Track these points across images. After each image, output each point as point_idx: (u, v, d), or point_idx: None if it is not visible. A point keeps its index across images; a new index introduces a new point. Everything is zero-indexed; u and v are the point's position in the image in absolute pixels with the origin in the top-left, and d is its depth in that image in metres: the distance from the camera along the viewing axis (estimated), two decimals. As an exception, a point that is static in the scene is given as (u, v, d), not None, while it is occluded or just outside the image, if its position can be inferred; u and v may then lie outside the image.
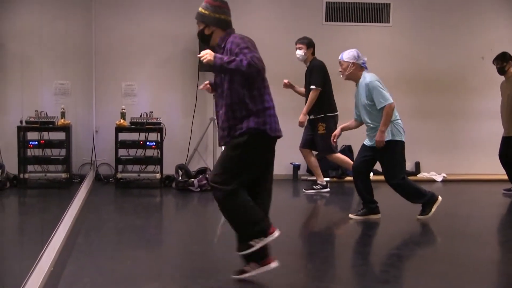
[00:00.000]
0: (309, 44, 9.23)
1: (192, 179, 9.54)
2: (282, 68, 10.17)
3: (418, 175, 11.09)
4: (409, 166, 11.15)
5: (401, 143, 7.49)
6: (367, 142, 7.66)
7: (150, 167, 10.13)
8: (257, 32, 10.07)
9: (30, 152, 9.69)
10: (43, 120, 9.58)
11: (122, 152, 9.97)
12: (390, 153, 7.47)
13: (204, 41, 5.25)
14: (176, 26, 10.49)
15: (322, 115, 9.20)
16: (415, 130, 11.07)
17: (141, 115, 9.94)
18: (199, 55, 4.97)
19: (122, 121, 9.86)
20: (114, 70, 10.41)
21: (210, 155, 10.65)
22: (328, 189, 9.57)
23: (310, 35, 9.86)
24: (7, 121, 9.86)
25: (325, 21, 10.87)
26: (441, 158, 11.30)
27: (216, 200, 5.00)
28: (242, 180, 4.96)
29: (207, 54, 4.85)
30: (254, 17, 10.59)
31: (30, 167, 9.70)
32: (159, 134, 9.88)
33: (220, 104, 5.05)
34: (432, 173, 11.14)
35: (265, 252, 5.15)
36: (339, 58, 7.61)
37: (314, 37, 9.57)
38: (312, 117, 9.26)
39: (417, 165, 11.22)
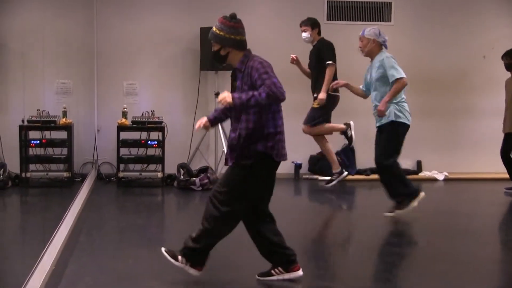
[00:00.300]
0: (313, 25, 9.14)
1: (194, 178, 9.54)
2: (284, 67, 10.13)
3: (419, 174, 11.09)
4: (410, 165, 11.16)
5: (403, 125, 7.44)
6: (376, 123, 7.60)
7: (152, 166, 10.14)
8: (259, 31, 10.11)
9: (32, 151, 9.70)
10: (45, 119, 9.59)
11: (123, 151, 9.97)
12: (389, 133, 7.42)
13: (219, 61, 5.22)
14: (178, 25, 10.50)
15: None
16: (417, 129, 11.02)
17: (142, 114, 9.95)
18: (218, 100, 4.92)
19: (123, 120, 9.87)
20: (116, 69, 10.41)
21: (212, 154, 10.65)
22: (346, 173, 9.34)
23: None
24: (9, 120, 9.87)
25: (327, 20, 10.87)
26: (443, 156, 11.30)
27: (209, 214, 5.03)
28: (240, 205, 5.01)
29: (225, 97, 4.80)
30: (256, 16, 10.59)
31: (32, 166, 9.71)
32: (160, 133, 9.89)
33: (234, 127, 5.00)
34: (433, 172, 11.14)
35: (291, 258, 5.17)
36: (360, 33, 7.62)
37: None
38: (315, 95, 9.19)
39: (419, 163, 11.22)
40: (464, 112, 11.37)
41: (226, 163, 5.10)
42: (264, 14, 10.71)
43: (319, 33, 9.21)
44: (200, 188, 9.44)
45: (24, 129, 9.51)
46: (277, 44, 10.44)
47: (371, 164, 10.74)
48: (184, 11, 10.53)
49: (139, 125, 9.83)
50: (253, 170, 4.92)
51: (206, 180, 9.46)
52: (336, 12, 10.95)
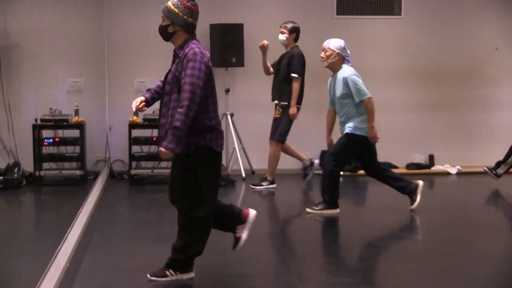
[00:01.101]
0: (292, 30, 9.12)
1: (205, 175, 9.54)
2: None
3: (432, 168, 11.05)
4: (422, 159, 11.13)
5: (365, 139, 7.47)
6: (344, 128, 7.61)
7: (164, 163, 10.15)
8: (267, 27, 10.12)
9: (45, 150, 9.74)
10: (57, 118, 9.64)
11: (135, 148, 10.00)
12: (350, 141, 7.47)
13: (164, 38, 5.20)
14: None
15: (286, 103, 9.10)
16: (428, 123, 11.05)
17: (154, 112, 9.96)
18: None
19: (135, 117, 9.89)
20: (127, 67, 10.44)
21: (223, 150, 10.64)
22: (275, 185, 9.41)
23: (322, 28, 9.89)
24: (23, 120, 9.91)
25: (336, 14, 10.85)
26: (455, 150, 11.24)
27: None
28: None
29: (164, 155, 4.92)
30: (264, 11, 10.59)
31: (45, 165, 9.76)
32: (172, 130, 9.89)
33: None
34: (446, 166, 11.09)
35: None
36: (325, 44, 7.56)
37: (325, 30, 9.58)
38: (276, 102, 9.21)
39: (431, 158, 11.18)
40: (477, 105, 11.32)
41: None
42: (272, 9, 10.69)
43: (296, 39, 9.21)
44: (212, 185, 9.44)
45: (37, 128, 9.57)
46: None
47: (383, 158, 10.73)
48: (194, 7, 10.54)
49: (150, 122, 9.86)
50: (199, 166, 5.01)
51: (218, 177, 9.47)
52: (345, 7, 10.92)
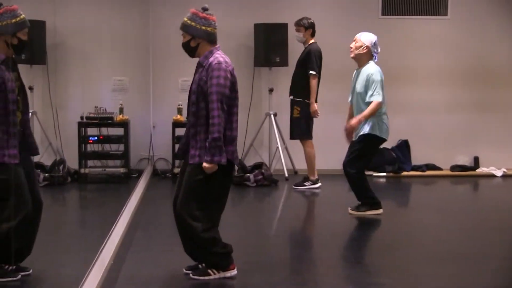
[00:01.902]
0: (307, 26, 9.15)
1: (248, 174, 9.58)
2: (338, 64, 10.12)
3: (476, 170, 10.92)
4: (467, 161, 11.01)
5: (377, 139, 7.41)
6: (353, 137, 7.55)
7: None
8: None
9: (90, 148, 9.84)
10: (102, 116, 9.73)
11: (179, 147, 10.05)
12: (362, 144, 7.39)
13: (189, 53, 5.27)
14: (232, 22, 10.53)
15: (301, 99, 9.12)
16: (474, 124, 10.93)
17: (197, 111, 10.02)
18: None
19: (178, 116, 9.95)
20: (171, 66, 10.50)
21: (266, 150, 10.68)
22: (319, 185, 9.37)
23: (367, 29, 9.75)
24: (68, 117, 10.02)
25: (382, 14, 10.79)
26: (501, 152, 11.08)
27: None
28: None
29: (210, 169, 4.93)
30: (308, 11, 10.52)
31: (90, 162, 9.86)
32: (215, 129, 9.92)
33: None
34: (491, 168, 10.94)
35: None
36: (357, 35, 7.52)
37: (370, 31, 9.49)
38: (292, 97, 9.23)
39: (476, 160, 11.05)
40: (523, 106, 11.16)
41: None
42: (317, 9, 10.66)
43: (312, 34, 9.20)
44: (254, 184, 9.47)
45: (82, 126, 9.67)
46: (331, 40, 10.37)
47: (426, 160, 10.74)
48: (237, 7, 10.57)
49: (194, 121, 9.90)
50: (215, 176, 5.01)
51: (260, 176, 9.49)
52: (391, 7, 10.84)
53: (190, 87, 5.19)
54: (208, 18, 5.12)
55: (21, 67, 9.55)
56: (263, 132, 10.62)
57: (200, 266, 5.27)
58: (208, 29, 5.09)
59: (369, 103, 7.29)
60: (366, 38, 7.45)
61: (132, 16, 10.45)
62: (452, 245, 6.44)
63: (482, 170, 10.95)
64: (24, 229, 4.96)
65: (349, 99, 7.72)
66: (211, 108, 4.87)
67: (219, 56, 5.02)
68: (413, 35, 10.78)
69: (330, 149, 9.70)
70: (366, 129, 7.33)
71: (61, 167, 9.40)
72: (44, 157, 9.89)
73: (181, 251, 5.96)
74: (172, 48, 10.45)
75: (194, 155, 5.02)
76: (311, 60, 9.00)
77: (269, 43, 10.11)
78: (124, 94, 10.38)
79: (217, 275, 5.13)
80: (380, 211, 7.60)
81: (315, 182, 9.31)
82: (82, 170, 9.60)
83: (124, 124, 9.78)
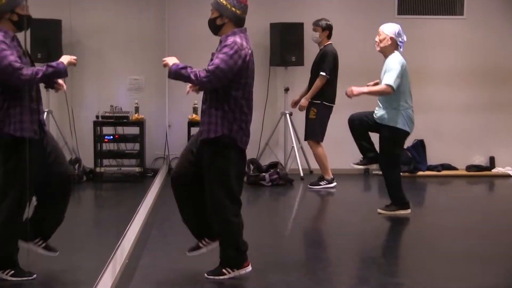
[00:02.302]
0: (324, 27, 9.13)
1: (263, 174, 9.57)
2: (353, 62, 10.12)
3: (492, 170, 10.86)
4: (483, 161, 10.96)
5: (401, 132, 7.37)
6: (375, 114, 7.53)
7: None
8: (329, 26, 10.08)
9: (105, 146, 9.87)
10: (117, 115, 9.75)
11: (194, 146, 10.05)
12: (387, 138, 7.39)
13: (213, 30, 5.25)
14: (248, 21, 10.33)
15: (319, 101, 9.09)
16: (490, 124, 10.87)
17: (213, 110, 10.02)
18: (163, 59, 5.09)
19: (194, 115, 9.96)
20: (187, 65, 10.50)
21: (281, 149, 10.67)
22: (334, 184, 9.32)
23: (382, 28, 9.76)
24: (84, 116, 10.04)
25: (397, 14, 10.74)
26: (517, 152, 11.06)
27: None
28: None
29: (167, 60, 5.11)
30: (324, 11, 10.52)
31: (105, 161, 9.88)
32: (230, 129, 9.92)
33: None
34: (507, 168, 10.88)
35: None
36: (380, 28, 7.46)
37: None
38: (310, 100, 9.21)
39: (492, 159, 11.00)
40: (540, 107, 11.09)
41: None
42: (333, 8, 10.63)
43: (329, 36, 9.18)
44: (270, 184, 9.46)
45: (98, 125, 9.69)
46: (347, 39, 10.35)
47: (442, 160, 10.70)
48: (253, 6, 10.45)
49: (210, 121, 9.90)
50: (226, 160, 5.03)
51: (276, 176, 9.48)
52: (407, 6, 10.81)
53: None
54: (241, 1, 5.11)
55: (37, 66, 9.70)
56: (278, 131, 10.61)
57: (200, 244, 5.27)
58: (238, 11, 5.09)
59: (402, 94, 7.31)
60: (389, 29, 7.40)
61: (148, 15, 10.46)
62: (469, 245, 6.41)
63: (498, 170, 10.90)
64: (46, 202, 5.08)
65: None
66: (198, 71, 5.02)
67: (238, 37, 4.99)
68: (429, 34, 10.73)
69: (345, 149, 9.65)
70: (392, 121, 7.31)
71: (76, 166, 9.42)
72: (60, 156, 9.93)
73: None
74: (188, 47, 10.47)
75: (205, 130, 5.02)
76: (325, 61, 8.99)
77: (285, 42, 10.11)
78: (140, 93, 10.39)
79: (232, 274, 5.12)
80: (409, 211, 7.58)
81: (330, 182, 9.27)
82: (98, 169, 9.62)
83: (140, 123, 9.80)
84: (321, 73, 8.97)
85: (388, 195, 7.62)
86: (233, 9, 5.06)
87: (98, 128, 9.71)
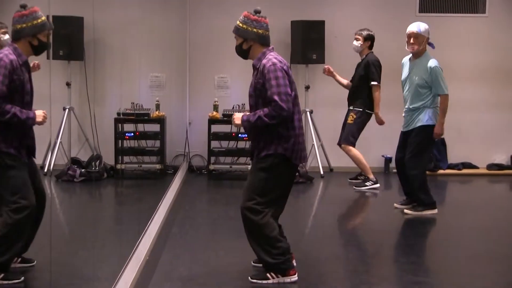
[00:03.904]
0: (366, 37, 9.10)
1: (284, 171, 9.56)
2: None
3: (513, 169, 10.82)
4: (504, 159, 10.89)
5: (432, 128, 7.35)
6: (402, 127, 7.54)
7: (242, 159, 10.23)
8: (348, 24, 10.06)
9: (126, 144, 9.89)
10: (138, 112, 9.78)
11: (214, 144, 10.08)
12: (420, 137, 7.34)
13: (242, 56, 5.27)
14: (269, 18, 10.30)
15: (361, 109, 9.09)
16: (511, 122, 10.79)
17: (233, 107, 10.04)
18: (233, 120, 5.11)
19: (214, 113, 9.98)
20: (208, 63, 10.53)
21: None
22: (378, 185, 9.28)
23: (403, 26, 9.66)
24: (105, 113, 10.07)
25: (419, 12, 10.69)
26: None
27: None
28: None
29: (234, 119, 5.04)
30: (345, 9, 10.53)
31: (126, 158, 9.91)
32: (251, 126, 9.92)
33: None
34: (529, 167, 10.85)
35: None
36: (415, 30, 7.37)
37: (407, 28, 9.44)
38: (351, 107, 9.19)
39: (513, 158, 10.97)
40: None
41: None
42: (354, 6, 10.61)
43: (370, 47, 9.15)
44: (290, 181, 9.44)
45: (119, 122, 9.71)
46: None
47: (463, 158, 10.66)
48: (275, 4, 10.55)
49: (229, 118, 9.87)
50: (273, 171, 5.00)
51: (296, 174, 9.46)
52: (428, 4, 10.75)
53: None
54: (260, 20, 5.15)
55: (59, 63, 9.76)
56: (298, 129, 10.58)
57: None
58: (260, 31, 5.11)
59: (425, 95, 7.29)
60: (425, 30, 7.38)
61: (169, 13, 10.48)
62: (492, 244, 6.38)
63: (519, 168, 10.84)
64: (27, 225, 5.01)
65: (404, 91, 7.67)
66: (271, 107, 4.88)
67: (272, 57, 5.01)
68: (451, 33, 10.67)
69: (372, 147, 9.64)
70: (424, 119, 7.29)
71: (97, 163, 9.46)
72: (81, 153, 9.98)
73: (217, 247, 5.99)
74: (209, 45, 10.50)
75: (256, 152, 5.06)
76: (371, 71, 8.99)
77: (306, 40, 10.10)
78: (161, 91, 10.42)
79: (276, 280, 5.05)
80: (436, 210, 7.55)
81: (375, 182, 9.26)
82: (118, 166, 9.65)
83: (160, 121, 9.82)
84: (373, 83, 8.96)
85: (417, 196, 7.58)
86: (255, 30, 5.11)
87: (119, 125, 9.73)
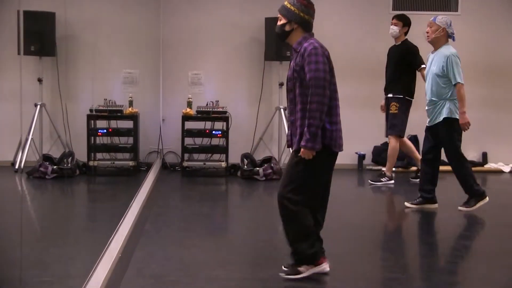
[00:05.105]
0: (405, 23, 9.13)
1: (257, 168, 9.57)
2: (348, 58, 10.12)
3: (485, 166, 10.89)
4: (475, 156, 10.97)
5: (457, 121, 7.38)
6: (428, 122, 7.56)
7: (216, 156, 10.21)
8: (322, 22, 10.05)
9: (99, 140, 9.84)
10: (111, 108, 9.72)
11: (188, 140, 10.06)
12: (445, 129, 7.38)
13: (281, 37, 5.18)
14: (243, 15, 10.52)
15: (401, 96, 9.07)
16: (484, 120, 10.86)
17: (207, 104, 10.02)
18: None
19: (188, 110, 9.95)
20: (181, 59, 10.49)
21: (275, 144, 10.66)
22: (393, 182, 9.38)
23: (377, 24, 9.82)
24: (77, 110, 10.03)
25: (392, 9, 10.72)
26: (510, 148, 11.06)
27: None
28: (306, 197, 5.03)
29: (305, 154, 4.84)
30: (319, 6, 10.44)
31: (98, 155, 9.86)
32: (225, 123, 9.93)
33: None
34: (499, 164, 10.92)
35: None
36: (431, 19, 7.48)
37: (381, 26, 9.52)
38: (390, 95, 9.16)
39: (484, 155, 11.02)
40: (534, 103, 11.10)
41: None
42: (327, 3, 10.62)
43: (406, 33, 9.17)
44: (264, 178, 9.46)
45: (91, 118, 9.66)
46: (341, 35, 10.36)
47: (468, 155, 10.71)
48: (249, 1, 10.54)
49: (203, 115, 9.90)
50: (311, 161, 4.90)
51: (270, 170, 9.48)
52: (401, 2, 10.79)
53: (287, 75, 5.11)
54: (308, 6, 5.06)
55: (30, 59, 9.69)
56: (272, 126, 10.60)
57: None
58: (306, 16, 5.03)
59: (444, 87, 7.32)
60: (441, 20, 7.43)
61: (142, 8, 10.44)
62: (472, 241, 6.43)
63: (490, 165, 10.93)
64: None
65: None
66: (310, 93, 4.79)
67: (314, 42, 4.94)
68: (424, 30, 10.70)
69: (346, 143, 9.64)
70: (444, 113, 7.32)
71: (69, 160, 9.40)
72: (53, 150, 9.93)
73: (190, 244, 5.97)
74: (182, 42, 10.47)
75: (294, 142, 5.00)
76: (414, 58, 9.03)
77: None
78: (134, 87, 10.38)
79: (307, 272, 5.02)
80: (487, 199, 7.55)
81: (390, 178, 9.31)
82: (91, 163, 9.60)
83: (134, 117, 9.78)
84: (422, 66, 8.83)
85: (466, 190, 7.57)
86: (302, 14, 5.02)
87: (92, 121, 9.68)
